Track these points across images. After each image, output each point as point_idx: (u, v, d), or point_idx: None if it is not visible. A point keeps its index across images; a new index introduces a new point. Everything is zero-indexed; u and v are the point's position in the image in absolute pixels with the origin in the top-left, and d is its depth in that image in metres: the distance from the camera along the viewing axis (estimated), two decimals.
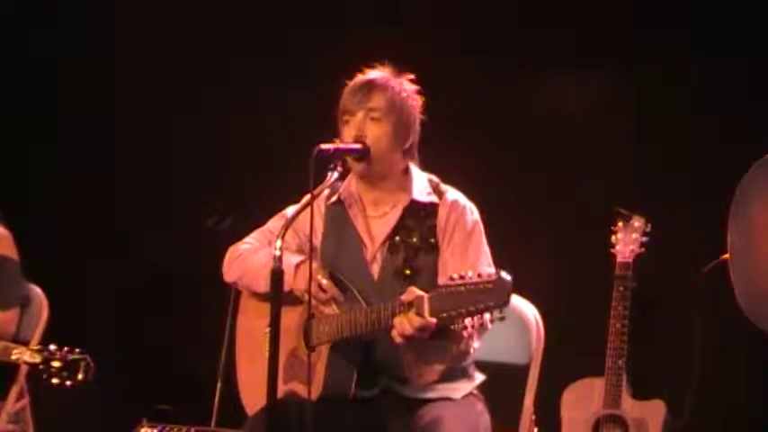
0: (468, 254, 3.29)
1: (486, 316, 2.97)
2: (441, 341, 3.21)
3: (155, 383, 5.08)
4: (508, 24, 4.85)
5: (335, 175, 3.24)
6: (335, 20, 5.05)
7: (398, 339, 3.11)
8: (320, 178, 3.22)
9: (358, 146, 3.28)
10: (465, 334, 3.14)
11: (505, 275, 2.93)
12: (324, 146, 3.20)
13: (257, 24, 5.14)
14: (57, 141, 5.32)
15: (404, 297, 3.09)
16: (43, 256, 4.42)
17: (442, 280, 3.24)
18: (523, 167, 4.89)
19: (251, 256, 3.44)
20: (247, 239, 3.50)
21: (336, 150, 3.24)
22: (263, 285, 3.31)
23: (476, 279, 2.95)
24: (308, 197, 3.18)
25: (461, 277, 2.97)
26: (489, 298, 2.92)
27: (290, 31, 5.11)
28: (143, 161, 5.28)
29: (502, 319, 2.96)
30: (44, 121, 5.35)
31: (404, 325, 3.08)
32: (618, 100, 4.78)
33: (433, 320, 3.02)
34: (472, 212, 3.36)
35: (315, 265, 3.27)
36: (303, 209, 3.21)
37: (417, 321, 3.04)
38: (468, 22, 4.89)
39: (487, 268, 3.26)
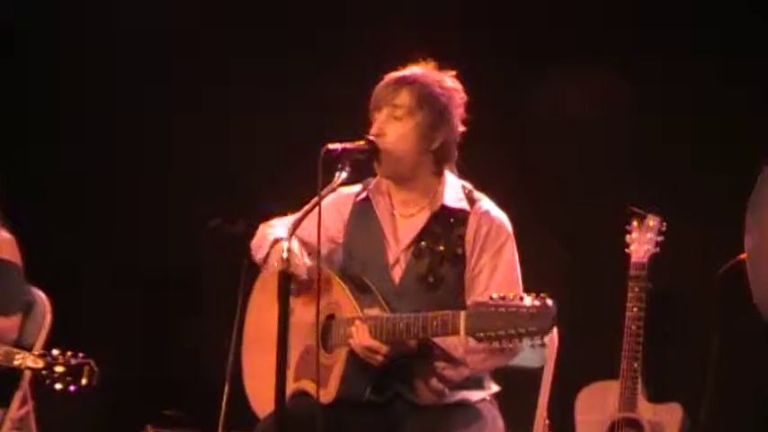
0: (497, 272, 3.24)
1: (526, 341, 2.90)
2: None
3: (159, 388, 5.06)
4: (509, 24, 4.86)
5: (343, 175, 3.17)
6: (336, 19, 5.05)
7: None
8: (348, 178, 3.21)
9: (365, 145, 3.22)
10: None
11: (550, 302, 2.87)
12: (331, 145, 3.15)
13: (258, 24, 5.16)
14: (57, 141, 5.34)
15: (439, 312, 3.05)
16: (45, 259, 4.39)
17: (469, 295, 3.22)
18: (535, 167, 4.87)
19: (269, 229, 3.41)
20: (276, 220, 3.47)
21: (344, 150, 3.17)
22: (261, 256, 3.32)
23: (518, 302, 2.87)
24: (315, 199, 3.11)
25: (502, 298, 2.90)
26: (531, 323, 2.85)
27: (291, 30, 5.12)
28: (143, 161, 5.30)
29: (542, 345, 2.91)
30: (44, 121, 5.36)
31: None
32: (634, 99, 4.77)
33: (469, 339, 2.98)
34: (504, 226, 3.29)
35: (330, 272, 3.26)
36: (311, 210, 3.14)
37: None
38: (470, 23, 4.88)
39: (517, 289, 3.21)
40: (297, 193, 3.24)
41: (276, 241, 3.25)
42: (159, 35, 5.13)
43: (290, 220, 3.39)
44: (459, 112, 3.29)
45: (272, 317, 3.14)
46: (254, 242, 3.43)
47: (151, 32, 5.14)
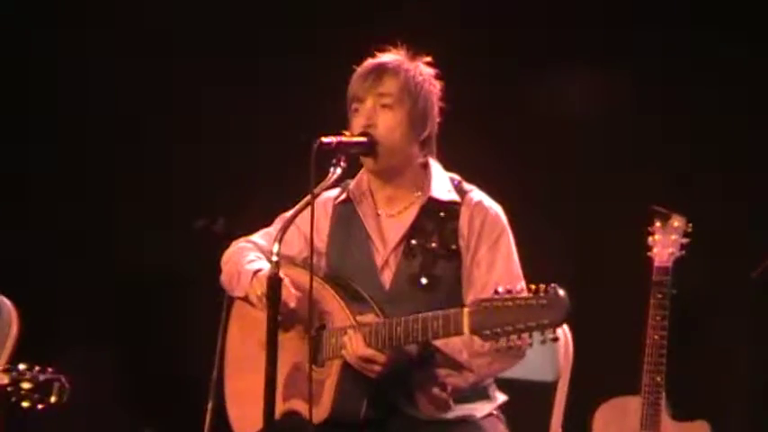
0: (496, 265, 3.16)
1: (536, 336, 2.80)
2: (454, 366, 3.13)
3: (141, 403, 5.01)
4: (509, 24, 4.84)
5: (338, 171, 3.07)
6: (335, 18, 5.06)
7: None
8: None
9: (363, 139, 3.13)
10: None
11: (561, 291, 2.78)
12: (325, 139, 3.05)
13: (258, 24, 5.15)
14: (56, 142, 5.31)
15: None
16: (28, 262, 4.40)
17: (468, 292, 3.14)
18: (550, 166, 4.79)
19: (240, 258, 3.31)
20: (252, 237, 3.39)
21: (339, 144, 3.08)
22: (238, 290, 3.27)
23: (526, 294, 2.80)
24: (308, 197, 3.01)
25: (508, 291, 2.81)
26: (542, 316, 2.76)
27: (291, 30, 5.11)
28: (142, 161, 5.26)
29: (555, 339, 2.82)
30: (44, 121, 5.34)
31: None
32: (653, 96, 4.70)
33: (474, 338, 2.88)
34: (499, 216, 3.22)
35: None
36: (303, 209, 3.04)
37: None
38: (469, 22, 4.86)
39: (519, 283, 3.12)
40: (294, 192, 3.13)
41: (255, 274, 3.18)
42: (160, 35, 5.11)
43: (261, 235, 3.35)
44: (438, 99, 3.24)
45: (252, 339, 3.13)
46: (225, 277, 3.34)
47: (151, 32, 5.13)
